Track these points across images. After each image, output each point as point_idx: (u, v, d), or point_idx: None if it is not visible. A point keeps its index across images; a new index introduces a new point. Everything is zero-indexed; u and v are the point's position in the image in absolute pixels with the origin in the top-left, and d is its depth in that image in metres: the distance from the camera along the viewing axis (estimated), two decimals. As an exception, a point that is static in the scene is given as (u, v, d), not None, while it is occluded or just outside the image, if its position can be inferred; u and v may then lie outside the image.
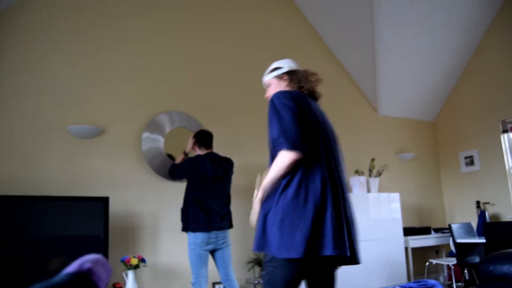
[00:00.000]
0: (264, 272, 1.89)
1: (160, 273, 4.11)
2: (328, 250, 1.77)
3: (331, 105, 5.78)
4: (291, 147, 1.86)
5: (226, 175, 3.69)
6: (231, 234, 3.73)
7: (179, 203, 3.67)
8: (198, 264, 3.43)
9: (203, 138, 3.77)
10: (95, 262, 0.88)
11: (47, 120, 3.91)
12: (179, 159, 4.08)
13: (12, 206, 3.41)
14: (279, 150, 1.89)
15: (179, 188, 3.99)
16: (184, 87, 4.67)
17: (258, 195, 1.95)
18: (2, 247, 3.33)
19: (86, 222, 3.75)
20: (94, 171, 4.01)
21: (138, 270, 3.76)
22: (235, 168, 3.88)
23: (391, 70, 5.85)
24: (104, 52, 4.29)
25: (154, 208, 4.20)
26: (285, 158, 1.86)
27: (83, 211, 3.72)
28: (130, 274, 3.65)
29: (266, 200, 1.94)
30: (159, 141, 4.36)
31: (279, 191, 1.88)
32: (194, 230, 3.44)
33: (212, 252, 3.56)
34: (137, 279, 3.76)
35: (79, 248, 3.66)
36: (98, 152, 4.07)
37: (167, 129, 4.43)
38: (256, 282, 4.27)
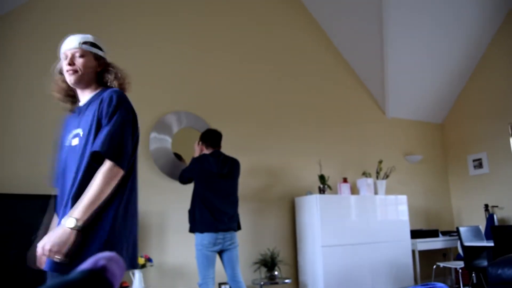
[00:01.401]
0: None
1: (167, 273, 4.12)
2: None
3: (340, 107, 5.80)
4: (121, 163, 1.70)
5: (231, 174, 3.68)
6: (238, 235, 3.72)
7: (186, 203, 3.68)
8: (205, 265, 3.43)
9: (210, 137, 3.77)
10: (109, 259, 0.88)
11: (54, 121, 3.93)
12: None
13: (20, 204, 3.44)
14: (92, 156, 1.70)
15: (186, 188, 4.01)
16: (192, 88, 4.68)
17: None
18: (13, 244, 3.37)
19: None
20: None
21: (144, 269, 3.77)
22: (243, 169, 3.88)
23: (400, 72, 5.83)
24: (113, 52, 4.30)
25: (161, 207, 4.21)
26: (114, 174, 1.67)
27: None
28: (137, 273, 3.66)
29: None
30: (167, 141, 4.37)
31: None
32: (202, 231, 3.44)
33: (220, 253, 3.56)
34: (144, 278, 3.77)
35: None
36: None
37: (175, 129, 4.44)
38: (262, 283, 4.26)
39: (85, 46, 1.90)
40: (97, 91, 1.91)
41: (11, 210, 3.37)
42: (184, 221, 3.72)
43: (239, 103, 4.95)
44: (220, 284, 4.13)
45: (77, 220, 1.55)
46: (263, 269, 4.51)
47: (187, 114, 4.53)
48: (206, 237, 3.42)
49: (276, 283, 4.34)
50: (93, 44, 1.95)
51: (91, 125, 1.76)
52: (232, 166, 3.71)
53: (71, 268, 1.46)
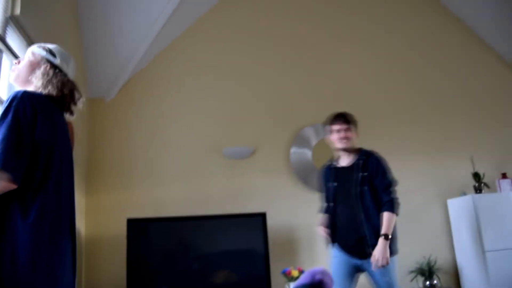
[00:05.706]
0: None
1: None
2: None
3: (487, 100, 5.15)
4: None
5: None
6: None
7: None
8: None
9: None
10: (323, 273, 0.96)
11: (205, 144, 4.30)
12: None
13: (180, 226, 3.84)
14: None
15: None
16: (327, 99, 4.70)
17: None
18: (174, 263, 3.75)
19: (246, 237, 3.99)
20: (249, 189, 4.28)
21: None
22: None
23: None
24: (239, 79, 4.57)
25: (309, 220, 4.27)
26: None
27: (243, 227, 3.98)
28: (292, 285, 3.77)
29: None
30: (307, 154, 4.45)
31: None
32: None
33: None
34: (299, 290, 3.85)
35: (242, 262, 3.91)
36: (252, 170, 4.34)
37: (313, 142, 4.50)
38: (421, 293, 4.05)
39: (33, 50, 1.82)
40: None
41: (176, 231, 3.75)
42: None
43: (373, 106, 4.80)
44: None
45: None
46: (420, 278, 4.28)
47: (324, 126, 4.55)
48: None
49: (437, 293, 4.09)
50: (45, 49, 1.82)
51: None
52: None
53: None
